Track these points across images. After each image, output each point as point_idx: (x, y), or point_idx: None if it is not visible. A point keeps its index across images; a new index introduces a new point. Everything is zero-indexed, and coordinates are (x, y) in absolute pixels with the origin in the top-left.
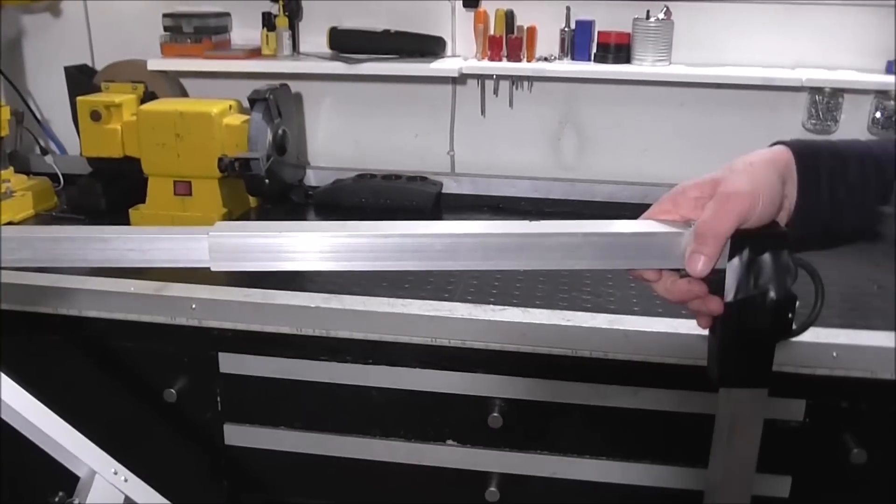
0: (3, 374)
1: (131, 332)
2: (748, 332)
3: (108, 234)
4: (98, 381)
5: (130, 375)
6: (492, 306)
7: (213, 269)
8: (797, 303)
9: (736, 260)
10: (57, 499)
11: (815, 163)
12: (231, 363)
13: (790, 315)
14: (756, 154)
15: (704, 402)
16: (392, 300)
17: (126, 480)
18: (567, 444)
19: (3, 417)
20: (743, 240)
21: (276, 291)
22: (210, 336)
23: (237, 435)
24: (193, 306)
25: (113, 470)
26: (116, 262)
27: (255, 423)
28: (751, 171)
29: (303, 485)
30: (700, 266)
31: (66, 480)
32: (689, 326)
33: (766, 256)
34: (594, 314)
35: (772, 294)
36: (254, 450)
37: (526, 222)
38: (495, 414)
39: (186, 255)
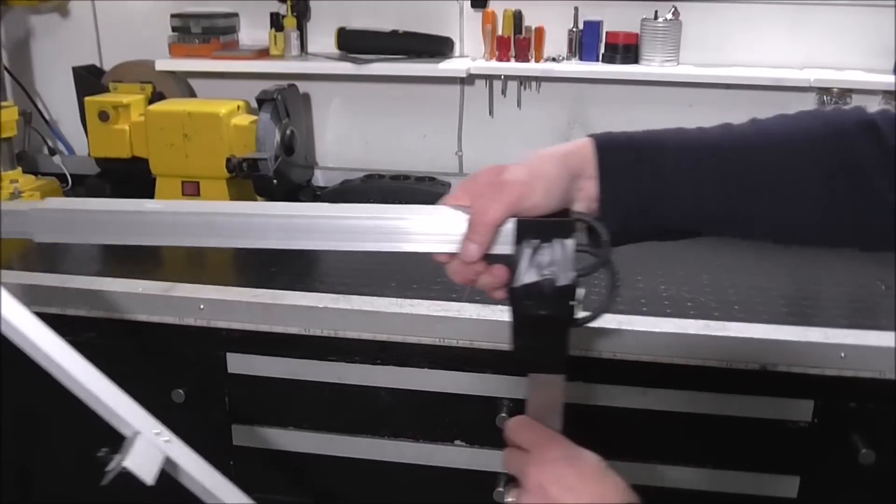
0: (59, 339)
1: (139, 333)
2: (533, 319)
3: None
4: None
5: (138, 376)
6: (500, 307)
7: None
8: (580, 290)
9: (521, 246)
10: (101, 453)
11: (616, 156)
12: (239, 364)
13: (571, 303)
14: (556, 146)
15: (712, 403)
16: (400, 300)
17: (168, 441)
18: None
19: (60, 379)
20: (529, 226)
21: (284, 292)
22: (218, 336)
23: (245, 435)
24: (202, 307)
25: (156, 431)
26: None
27: (263, 423)
28: (535, 162)
29: (311, 485)
30: (470, 253)
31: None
32: (697, 327)
33: (552, 244)
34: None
35: (554, 281)
36: (262, 450)
37: (320, 204)
38: (503, 414)
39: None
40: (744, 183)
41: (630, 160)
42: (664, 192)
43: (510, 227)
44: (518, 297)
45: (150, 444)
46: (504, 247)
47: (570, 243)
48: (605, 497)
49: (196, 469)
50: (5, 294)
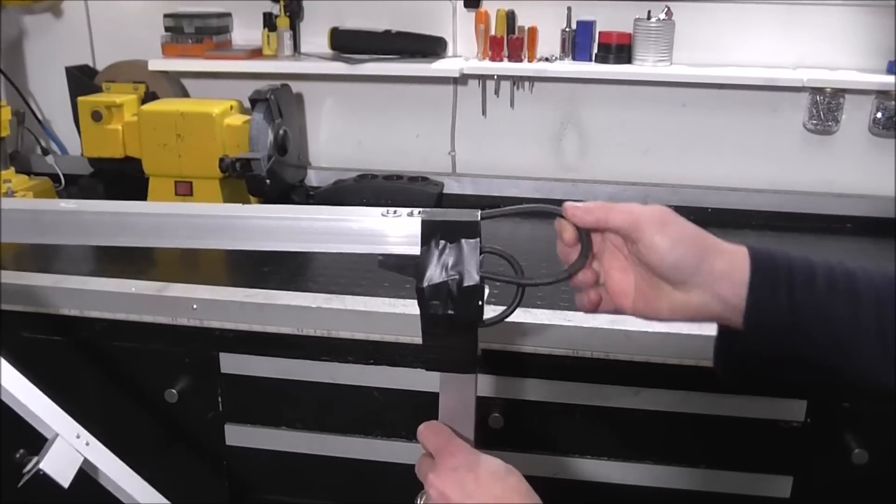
0: None
1: (132, 333)
2: (440, 318)
3: None
4: (99, 382)
5: (132, 376)
6: (493, 306)
7: None
8: (486, 290)
9: (427, 246)
10: (18, 455)
11: (772, 273)
12: (232, 363)
13: (480, 302)
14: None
15: (705, 403)
16: (393, 300)
17: (88, 444)
18: (568, 445)
19: None
20: (435, 227)
21: (277, 292)
22: (211, 336)
23: (238, 435)
24: (195, 307)
25: (76, 434)
26: None
27: (256, 423)
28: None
29: (304, 485)
30: (573, 207)
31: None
32: (690, 327)
33: (458, 244)
34: (594, 315)
35: (460, 281)
36: (255, 450)
37: (237, 206)
38: (496, 414)
39: None
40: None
41: (784, 278)
42: (810, 310)
43: (416, 227)
44: (425, 297)
45: (68, 448)
46: (411, 248)
47: (475, 244)
48: (503, 500)
49: (116, 473)
50: None
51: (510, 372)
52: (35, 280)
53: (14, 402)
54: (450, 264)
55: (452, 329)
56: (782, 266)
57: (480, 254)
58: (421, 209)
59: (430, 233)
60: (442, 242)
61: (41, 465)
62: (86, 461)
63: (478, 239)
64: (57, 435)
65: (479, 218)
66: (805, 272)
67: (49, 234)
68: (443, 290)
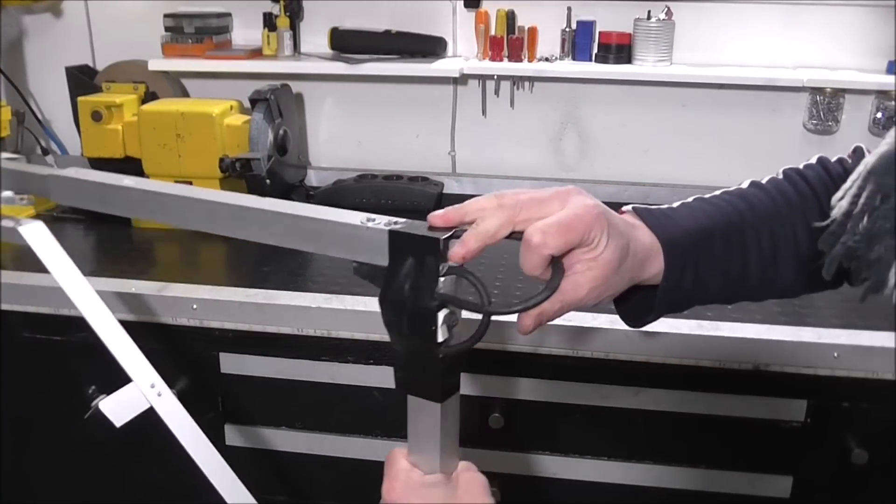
0: (97, 298)
1: (132, 333)
2: (399, 338)
3: None
4: (99, 382)
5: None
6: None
7: None
8: (443, 313)
9: (395, 259)
10: (90, 391)
11: (679, 258)
12: (232, 363)
13: (433, 327)
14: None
15: (705, 403)
16: None
17: (160, 395)
18: (568, 445)
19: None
20: (401, 238)
21: (277, 292)
22: (211, 336)
23: (238, 435)
24: (195, 307)
25: (150, 383)
26: None
27: (256, 423)
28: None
29: (304, 485)
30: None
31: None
32: (689, 327)
33: (421, 261)
34: (595, 314)
35: (414, 301)
36: (255, 450)
37: (245, 195)
38: (496, 414)
39: None
40: (767, 255)
41: (692, 262)
42: (711, 278)
43: (385, 237)
44: (383, 313)
45: (137, 394)
46: (379, 257)
47: (436, 263)
48: None
49: (181, 428)
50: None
51: (510, 372)
52: (35, 280)
53: (110, 345)
54: (410, 283)
55: (411, 351)
56: (689, 252)
57: (442, 275)
58: (403, 220)
59: (398, 246)
60: (409, 258)
61: (100, 405)
62: (152, 409)
63: (438, 257)
64: (131, 381)
65: (443, 237)
66: (706, 248)
67: (110, 205)
68: (401, 309)
